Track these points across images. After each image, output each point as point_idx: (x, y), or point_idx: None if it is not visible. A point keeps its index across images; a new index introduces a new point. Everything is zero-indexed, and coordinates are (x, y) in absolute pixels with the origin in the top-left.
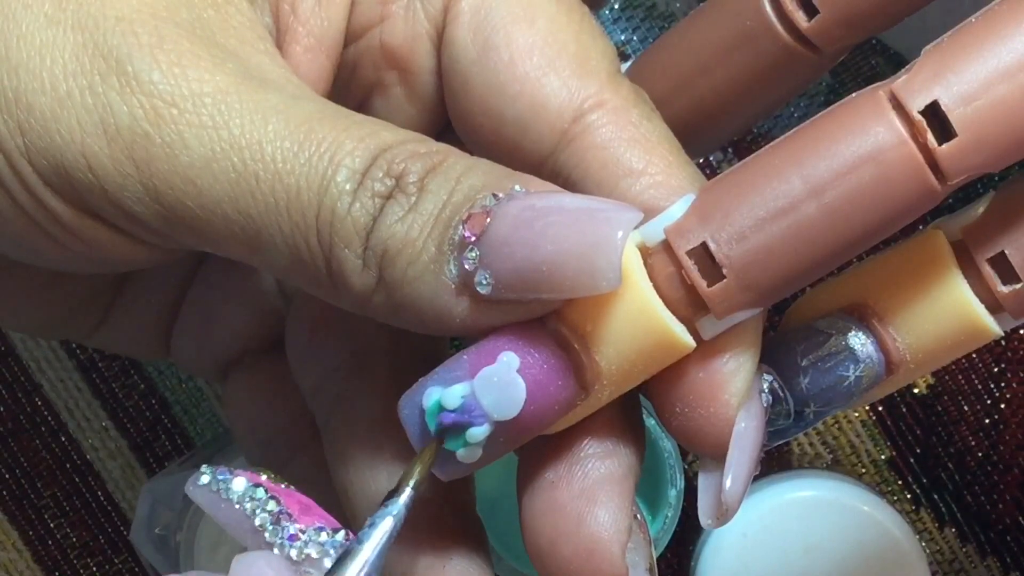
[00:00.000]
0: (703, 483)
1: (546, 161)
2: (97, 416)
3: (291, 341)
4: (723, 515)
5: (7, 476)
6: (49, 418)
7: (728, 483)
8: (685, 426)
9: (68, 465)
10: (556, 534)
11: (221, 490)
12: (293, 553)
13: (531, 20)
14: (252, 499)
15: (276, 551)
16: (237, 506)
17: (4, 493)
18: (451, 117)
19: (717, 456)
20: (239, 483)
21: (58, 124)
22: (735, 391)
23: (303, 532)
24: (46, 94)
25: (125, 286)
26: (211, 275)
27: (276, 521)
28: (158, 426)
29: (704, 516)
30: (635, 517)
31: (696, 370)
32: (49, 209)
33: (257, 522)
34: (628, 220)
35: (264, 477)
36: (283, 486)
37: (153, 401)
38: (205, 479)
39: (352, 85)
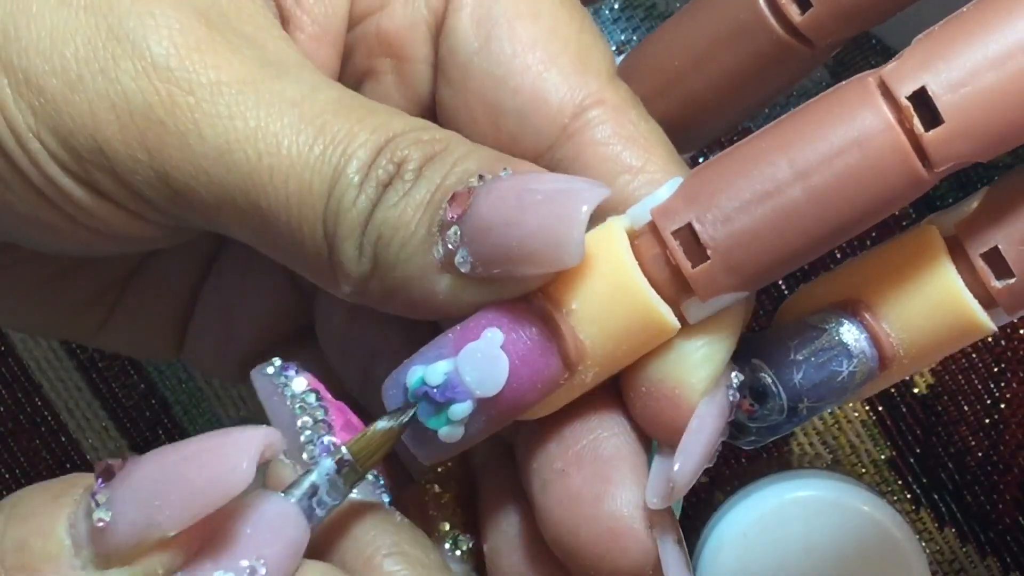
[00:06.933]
0: (656, 466)
1: (544, 155)
2: (97, 416)
3: (324, 332)
4: (669, 497)
5: (7, 476)
6: (49, 418)
7: (677, 466)
8: (646, 406)
9: (68, 465)
10: (576, 521)
11: (280, 384)
12: (305, 455)
13: (535, 16)
14: (303, 402)
15: (304, 455)
16: (288, 403)
17: (4, 493)
18: (443, 109)
19: (672, 442)
20: (299, 383)
21: (70, 107)
22: (702, 377)
23: (335, 447)
24: (57, 76)
25: (131, 284)
26: (224, 274)
27: (316, 428)
28: (158, 426)
29: (650, 496)
30: None
31: (667, 352)
32: (59, 187)
33: (299, 423)
34: (594, 195)
35: (323, 387)
36: (339, 402)
37: (153, 401)
38: (270, 370)
39: (345, 71)
